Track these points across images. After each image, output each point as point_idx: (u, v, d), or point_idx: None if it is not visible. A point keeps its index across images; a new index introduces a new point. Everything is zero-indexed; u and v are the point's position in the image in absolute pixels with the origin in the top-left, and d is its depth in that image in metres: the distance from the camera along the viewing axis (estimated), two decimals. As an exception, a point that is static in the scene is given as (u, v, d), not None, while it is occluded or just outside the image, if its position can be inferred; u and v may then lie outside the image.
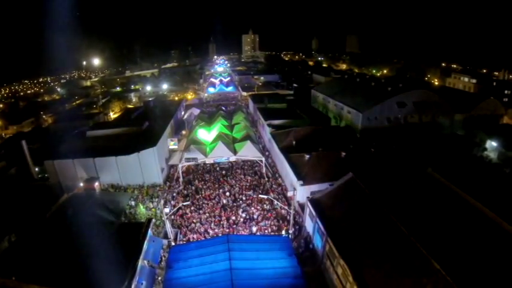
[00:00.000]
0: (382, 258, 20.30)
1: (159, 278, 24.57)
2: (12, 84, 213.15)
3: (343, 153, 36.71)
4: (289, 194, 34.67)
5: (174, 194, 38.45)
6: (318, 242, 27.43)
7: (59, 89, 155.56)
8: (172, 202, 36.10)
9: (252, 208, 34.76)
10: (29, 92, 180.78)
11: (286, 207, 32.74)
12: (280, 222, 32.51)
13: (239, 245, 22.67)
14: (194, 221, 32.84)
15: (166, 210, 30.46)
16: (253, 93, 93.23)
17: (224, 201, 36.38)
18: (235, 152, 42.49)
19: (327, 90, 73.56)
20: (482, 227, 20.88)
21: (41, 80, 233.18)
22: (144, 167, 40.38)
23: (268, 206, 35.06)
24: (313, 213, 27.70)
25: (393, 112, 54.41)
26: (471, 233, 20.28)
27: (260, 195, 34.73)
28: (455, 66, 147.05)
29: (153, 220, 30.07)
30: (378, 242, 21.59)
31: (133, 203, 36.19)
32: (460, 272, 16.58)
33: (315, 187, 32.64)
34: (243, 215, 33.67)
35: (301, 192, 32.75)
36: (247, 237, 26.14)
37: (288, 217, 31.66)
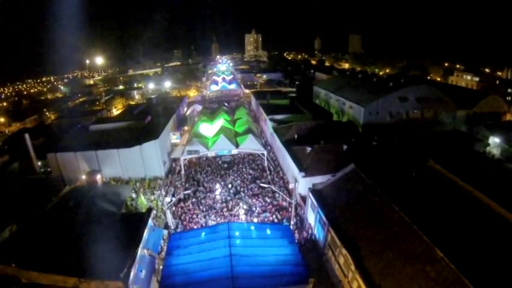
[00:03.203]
0: (385, 246, 20.19)
1: (160, 267, 24.58)
2: (16, 84, 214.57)
3: (345, 146, 36.68)
4: (291, 186, 34.64)
5: (177, 184, 38.49)
6: (319, 232, 27.39)
7: (62, 88, 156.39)
8: (174, 198, 36.00)
9: (254, 200, 34.75)
10: (32, 91, 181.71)
11: (288, 198, 32.69)
12: (282, 214, 32.49)
13: (240, 232, 22.60)
14: (196, 211, 32.90)
15: (167, 199, 30.46)
16: (256, 90, 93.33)
17: (225, 194, 36.38)
18: (237, 145, 42.53)
19: (329, 86, 73.38)
20: (484, 216, 20.75)
21: (44, 79, 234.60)
22: (146, 159, 40.44)
23: (269, 200, 35.06)
24: (315, 203, 27.65)
25: (395, 107, 54.14)
26: (473, 222, 20.16)
27: (261, 184, 34.74)
28: (458, 66, 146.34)
29: (154, 211, 30.16)
30: (380, 231, 21.47)
31: (134, 195, 36.24)
32: (463, 259, 16.47)
33: (316, 179, 32.45)
34: (245, 207, 33.69)
35: (303, 184, 32.61)
36: (248, 224, 25.98)
37: (290, 209, 31.64)
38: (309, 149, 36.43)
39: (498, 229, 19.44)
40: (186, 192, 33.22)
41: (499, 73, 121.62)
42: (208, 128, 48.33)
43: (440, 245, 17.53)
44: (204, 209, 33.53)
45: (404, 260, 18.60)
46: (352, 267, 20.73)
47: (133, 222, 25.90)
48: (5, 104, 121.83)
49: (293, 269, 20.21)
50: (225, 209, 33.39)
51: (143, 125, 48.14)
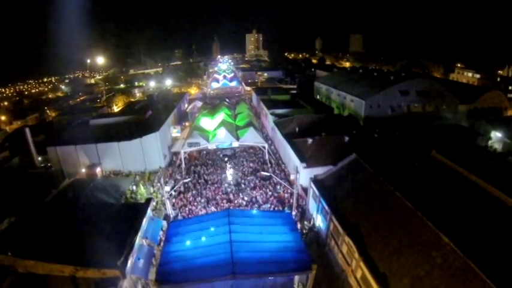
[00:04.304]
0: (389, 234, 19.87)
1: (158, 259, 24.19)
2: (17, 84, 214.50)
3: (347, 138, 36.35)
4: (292, 177, 34.32)
5: (177, 177, 38.24)
6: (321, 222, 27.08)
7: (63, 87, 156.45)
8: (174, 190, 35.80)
9: (255, 192, 34.42)
10: (33, 91, 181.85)
11: (289, 187, 32.38)
12: (283, 204, 32.21)
13: (240, 219, 22.09)
14: (195, 204, 32.61)
15: (167, 188, 30.08)
16: (257, 87, 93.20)
17: (226, 185, 36.10)
18: (237, 138, 42.26)
19: (330, 81, 73.34)
20: (489, 205, 20.46)
21: (45, 80, 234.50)
22: (146, 152, 40.22)
23: (270, 192, 34.74)
24: (317, 193, 27.34)
25: (396, 100, 53.90)
26: (478, 210, 19.83)
27: (263, 173, 34.42)
28: (459, 65, 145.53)
29: (153, 203, 29.86)
30: (384, 218, 21.16)
31: (134, 187, 35.92)
32: (469, 245, 16.18)
33: (318, 170, 31.97)
34: (246, 198, 33.39)
35: (304, 175, 32.19)
36: (249, 211, 25.59)
37: (291, 200, 31.35)
38: (310, 140, 36.13)
39: (503, 216, 19.14)
40: (185, 180, 32.86)
41: (500, 72, 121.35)
42: (209, 122, 48.11)
43: (445, 231, 17.22)
44: (203, 200, 33.25)
45: (409, 247, 18.27)
46: (356, 254, 20.38)
47: (132, 212, 25.54)
48: (6, 103, 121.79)
49: (295, 255, 19.69)
50: (225, 201, 33.09)
51: (144, 119, 47.83)
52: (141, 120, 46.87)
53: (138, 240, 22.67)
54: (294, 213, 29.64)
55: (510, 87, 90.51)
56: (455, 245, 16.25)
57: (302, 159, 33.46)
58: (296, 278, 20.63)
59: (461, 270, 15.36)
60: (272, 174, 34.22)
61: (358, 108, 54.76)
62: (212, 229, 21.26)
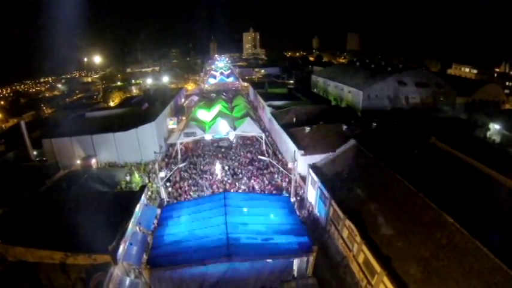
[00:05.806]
0: (390, 217, 19.49)
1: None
2: (14, 85, 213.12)
3: (344, 126, 35.95)
4: (290, 165, 33.82)
5: (173, 167, 37.76)
6: (320, 209, 26.62)
7: (60, 86, 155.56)
8: (169, 179, 35.22)
9: (252, 181, 33.95)
10: (30, 91, 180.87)
11: (287, 173, 31.91)
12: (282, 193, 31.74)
13: (236, 201, 21.49)
14: (191, 193, 32.14)
15: (162, 174, 29.50)
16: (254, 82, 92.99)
17: (222, 174, 35.64)
18: (234, 129, 41.80)
19: (327, 73, 73.13)
20: (489, 186, 20.18)
21: (42, 80, 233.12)
22: (142, 143, 39.59)
23: (268, 181, 34.21)
24: (315, 179, 26.89)
25: (394, 91, 53.60)
26: (479, 191, 19.54)
27: (260, 157, 33.89)
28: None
29: (149, 192, 29.30)
30: (385, 202, 20.79)
31: (129, 178, 35.40)
32: (473, 224, 15.82)
33: (315, 158, 31.57)
34: (242, 187, 32.91)
35: (302, 163, 31.78)
36: (246, 194, 25.08)
37: (289, 188, 30.87)
38: (307, 129, 35.75)
39: (505, 198, 18.81)
40: (181, 165, 32.34)
41: (497, 70, 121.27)
42: (205, 114, 47.67)
43: (449, 211, 16.87)
44: (199, 189, 32.84)
45: (412, 229, 17.89)
46: (357, 238, 19.91)
47: (125, 199, 24.91)
48: (2, 102, 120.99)
49: (294, 238, 19.13)
50: (222, 190, 32.49)
51: (140, 110, 47.34)
52: (138, 112, 46.42)
53: (131, 226, 22.03)
54: (292, 200, 29.17)
55: (507, 83, 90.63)
56: (460, 225, 15.88)
57: (299, 146, 33.01)
58: (295, 263, 20.00)
59: (468, 250, 15.00)
60: (270, 160, 33.66)
61: (356, 99, 54.40)
62: (207, 211, 20.65)
